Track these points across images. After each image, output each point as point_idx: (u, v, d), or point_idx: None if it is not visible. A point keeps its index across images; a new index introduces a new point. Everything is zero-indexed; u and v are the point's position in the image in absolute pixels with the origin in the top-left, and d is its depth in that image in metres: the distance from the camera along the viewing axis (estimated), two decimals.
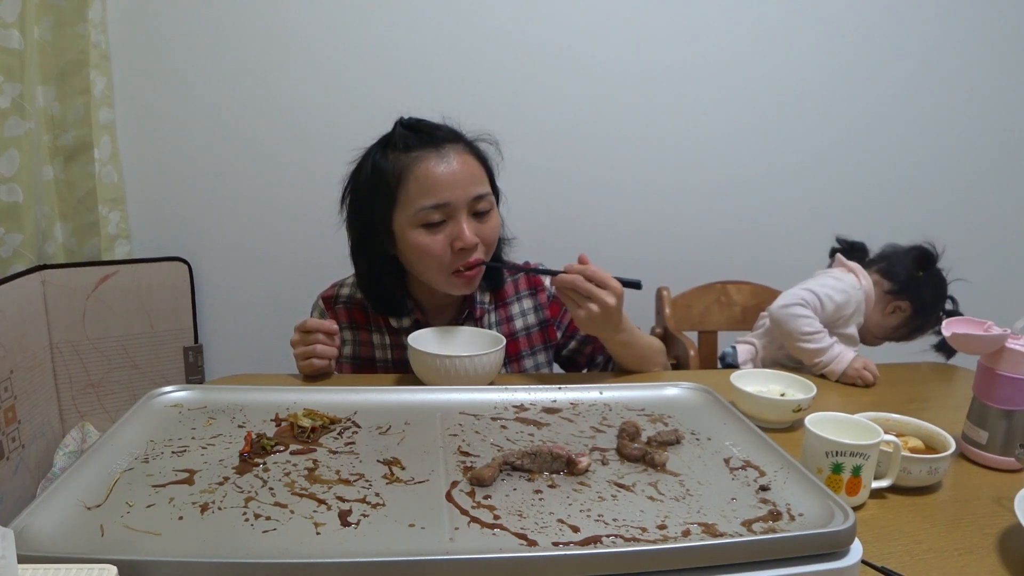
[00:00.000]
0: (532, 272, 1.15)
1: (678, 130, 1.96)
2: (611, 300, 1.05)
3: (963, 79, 2.01)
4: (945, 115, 2.03)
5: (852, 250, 1.46)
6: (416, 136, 1.11)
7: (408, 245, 1.11)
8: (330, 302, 1.25)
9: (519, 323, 1.26)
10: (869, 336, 1.43)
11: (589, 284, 1.04)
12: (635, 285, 1.08)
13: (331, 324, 1.12)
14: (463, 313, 1.23)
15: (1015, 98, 2.04)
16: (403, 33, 1.83)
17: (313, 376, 1.13)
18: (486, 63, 1.86)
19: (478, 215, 1.12)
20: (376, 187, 1.11)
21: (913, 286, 1.37)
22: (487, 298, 1.25)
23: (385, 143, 1.13)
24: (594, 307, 1.04)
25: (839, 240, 1.49)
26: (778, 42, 1.93)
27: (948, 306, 1.38)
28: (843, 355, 1.23)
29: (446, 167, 1.08)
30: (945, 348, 1.33)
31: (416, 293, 1.23)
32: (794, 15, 1.92)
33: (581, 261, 1.07)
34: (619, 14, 1.87)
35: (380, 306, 1.21)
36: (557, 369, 1.33)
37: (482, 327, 1.23)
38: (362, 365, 1.23)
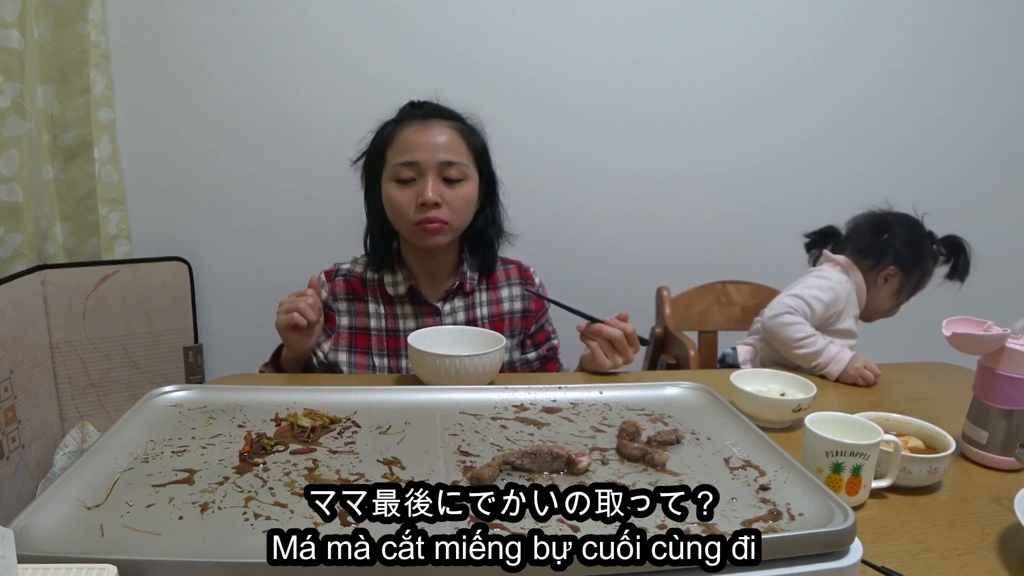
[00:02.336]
0: (574, 312, 1.23)
1: (679, 130, 1.96)
2: (633, 356, 1.20)
3: (965, 74, 2.01)
4: (946, 114, 2.03)
5: (824, 238, 1.47)
6: (412, 110, 1.27)
7: (384, 197, 1.24)
8: (331, 275, 1.34)
9: (506, 306, 1.36)
10: (881, 313, 1.43)
11: (625, 342, 1.18)
12: (645, 343, 1.25)
13: (308, 290, 1.21)
14: (454, 284, 1.31)
15: (1014, 95, 2.04)
16: (403, 34, 1.83)
17: (288, 333, 1.17)
18: (487, 61, 1.86)
19: (448, 182, 1.22)
20: (374, 150, 1.27)
21: (886, 250, 1.38)
22: (477, 275, 1.34)
23: (393, 119, 1.29)
24: (620, 360, 1.19)
25: (807, 236, 1.51)
26: (782, 42, 1.93)
27: (937, 237, 1.39)
28: (841, 355, 1.23)
29: (423, 133, 1.21)
30: (957, 273, 1.36)
31: (410, 261, 1.32)
32: (799, 13, 1.91)
33: (621, 318, 1.19)
34: (621, 13, 1.87)
35: (380, 263, 1.30)
36: (519, 355, 1.39)
37: (472, 302, 1.32)
38: (357, 334, 1.30)
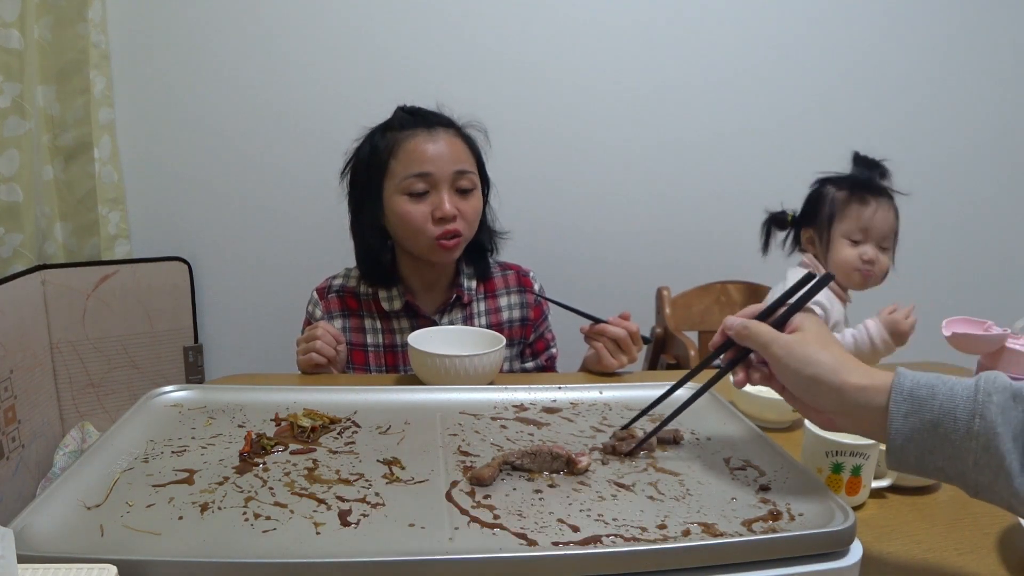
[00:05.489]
0: (577, 313, 1.21)
1: (678, 130, 1.96)
2: (636, 355, 1.18)
3: (963, 82, 2.01)
4: (945, 114, 2.03)
5: (778, 222, 1.54)
6: (412, 118, 1.22)
7: (393, 213, 1.20)
8: (323, 293, 1.30)
9: (505, 315, 1.34)
10: (848, 266, 1.42)
11: (629, 341, 1.16)
12: (647, 342, 1.24)
13: (339, 333, 1.17)
14: (451, 297, 1.29)
15: (1015, 98, 2.04)
16: (400, 37, 1.83)
17: (310, 372, 1.15)
18: (483, 65, 1.86)
19: (460, 192, 1.20)
20: (372, 160, 1.21)
21: (794, 224, 1.49)
22: (474, 284, 1.31)
23: (386, 126, 1.24)
24: (625, 359, 1.17)
25: (768, 213, 1.55)
26: (778, 43, 1.93)
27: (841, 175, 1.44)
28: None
29: (433, 144, 1.18)
30: (857, 183, 1.44)
31: (406, 274, 1.28)
32: (793, 18, 1.92)
33: (624, 317, 1.18)
34: (618, 18, 1.87)
35: (374, 280, 1.26)
36: (518, 365, 1.38)
37: (470, 313, 1.30)
38: (354, 350, 1.28)
